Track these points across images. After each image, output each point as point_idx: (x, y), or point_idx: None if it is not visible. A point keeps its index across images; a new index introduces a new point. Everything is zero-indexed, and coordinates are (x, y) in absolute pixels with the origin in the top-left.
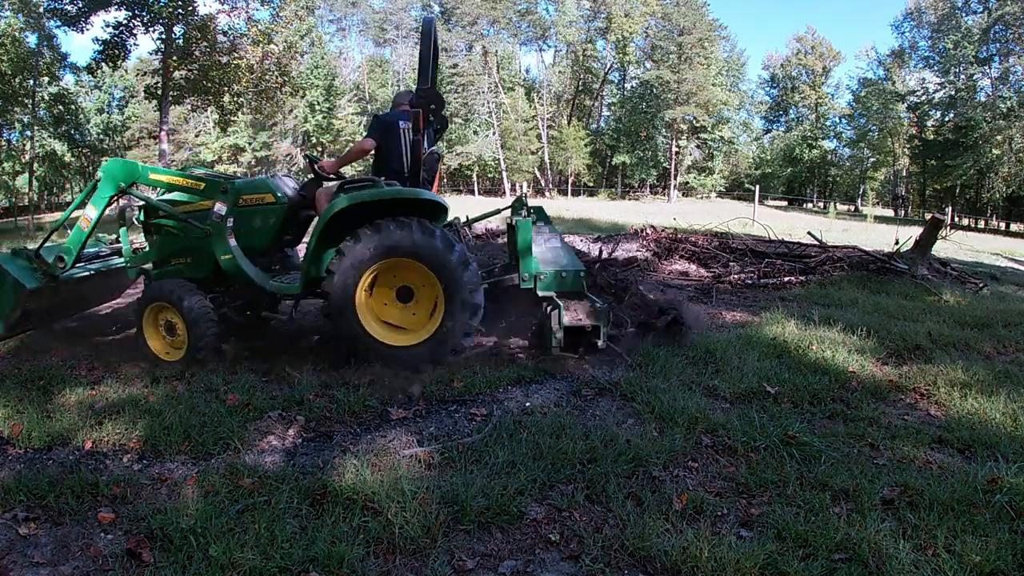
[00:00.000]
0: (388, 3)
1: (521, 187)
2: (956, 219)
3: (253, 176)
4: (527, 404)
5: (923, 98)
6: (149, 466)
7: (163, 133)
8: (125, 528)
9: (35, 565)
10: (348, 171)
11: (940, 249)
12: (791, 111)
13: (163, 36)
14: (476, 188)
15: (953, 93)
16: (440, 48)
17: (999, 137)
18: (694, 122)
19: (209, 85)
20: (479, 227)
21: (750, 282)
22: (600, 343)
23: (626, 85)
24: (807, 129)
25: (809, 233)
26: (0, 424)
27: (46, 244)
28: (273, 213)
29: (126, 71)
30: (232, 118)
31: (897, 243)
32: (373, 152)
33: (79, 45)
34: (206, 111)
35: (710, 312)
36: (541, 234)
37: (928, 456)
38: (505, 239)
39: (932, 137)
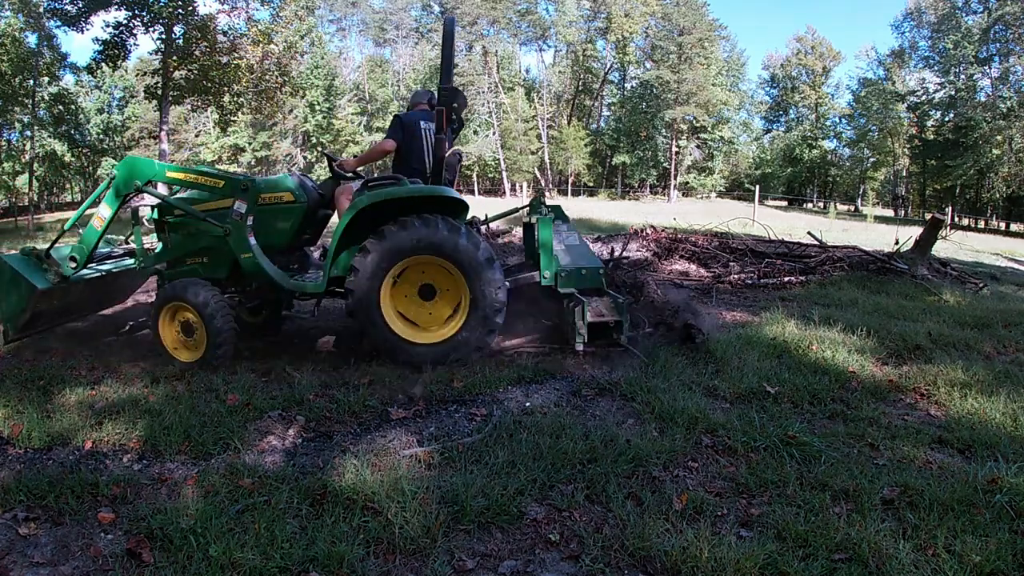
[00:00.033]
0: (388, 3)
1: (521, 187)
2: (956, 219)
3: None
4: (527, 404)
5: (923, 98)
6: (149, 466)
7: (163, 133)
8: (125, 528)
9: (35, 565)
10: (362, 169)
11: (940, 249)
12: (791, 111)
13: (163, 36)
14: (476, 188)
15: (953, 93)
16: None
17: (999, 137)
18: (694, 122)
19: (209, 85)
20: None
21: (750, 282)
22: (622, 338)
23: (626, 85)
24: (807, 129)
25: (809, 233)
26: (0, 424)
27: (56, 244)
28: (292, 212)
29: (126, 71)
30: (232, 118)
31: (897, 243)
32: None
33: (79, 45)
34: (206, 111)
35: (710, 312)
36: (560, 232)
37: (928, 456)
38: (507, 239)
39: (932, 137)
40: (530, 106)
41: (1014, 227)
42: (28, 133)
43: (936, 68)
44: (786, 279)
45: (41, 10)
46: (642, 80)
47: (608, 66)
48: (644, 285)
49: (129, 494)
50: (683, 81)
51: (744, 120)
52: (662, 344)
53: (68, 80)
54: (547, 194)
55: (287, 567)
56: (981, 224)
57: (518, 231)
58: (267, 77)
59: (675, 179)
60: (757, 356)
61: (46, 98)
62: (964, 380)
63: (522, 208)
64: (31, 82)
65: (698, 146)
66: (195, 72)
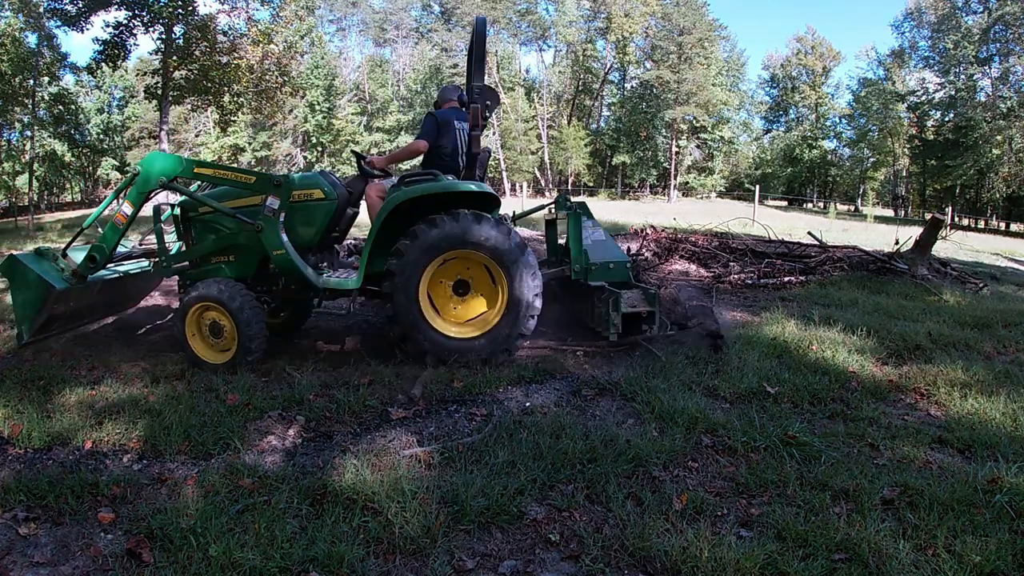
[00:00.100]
0: (388, 3)
1: (521, 187)
2: (956, 219)
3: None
4: (527, 404)
5: (923, 98)
6: (149, 466)
7: (163, 133)
8: (125, 528)
9: (35, 565)
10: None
11: (940, 249)
12: (791, 111)
13: (163, 36)
14: None
15: (953, 93)
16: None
17: (999, 137)
18: (694, 122)
19: (209, 85)
20: None
21: (750, 282)
22: (654, 329)
23: (626, 85)
24: (807, 129)
25: (809, 233)
26: (0, 424)
27: (73, 244)
28: (324, 209)
29: (126, 71)
30: (232, 118)
31: (897, 243)
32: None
33: (79, 45)
34: (206, 111)
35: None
36: (585, 227)
37: (928, 456)
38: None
39: (932, 137)
40: (530, 106)
41: (1014, 227)
42: (28, 133)
43: (936, 68)
44: (786, 279)
45: (41, 10)
46: (642, 80)
47: (608, 66)
48: (661, 285)
49: (129, 494)
50: (683, 81)
51: (744, 120)
52: (684, 347)
53: (68, 80)
54: (547, 194)
55: (287, 567)
56: (981, 224)
57: (522, 231)
58: (267, 77)
59: (675, 179)
60: (757, 356)
61: (46, 98)
62: (964, 380)
63: (548, 205)
64: (31, 82)
65: (698, 146)
66: (195, 72)
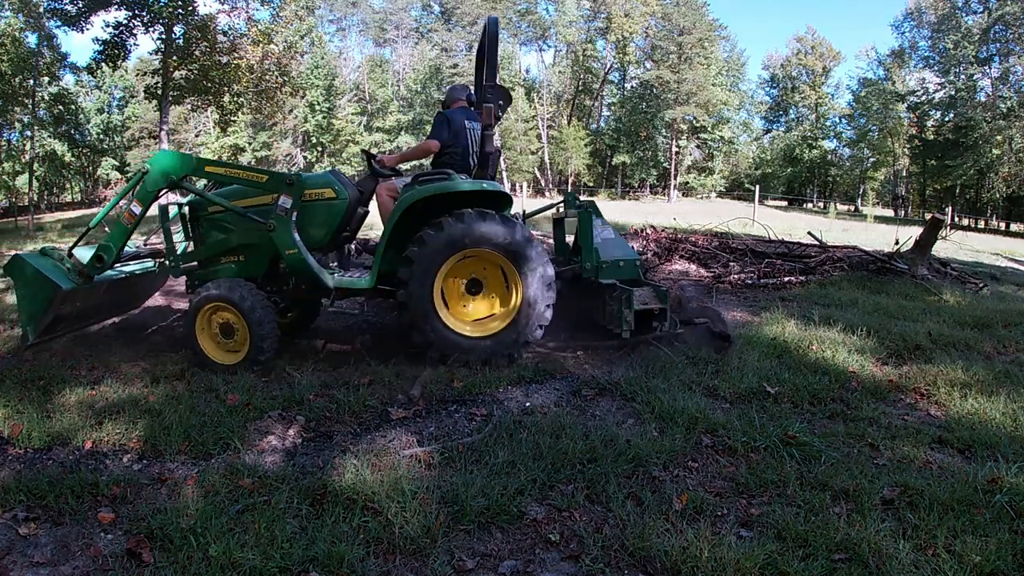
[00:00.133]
0: (388, 3)
1: (521, 187)
2: (956, 219)
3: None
4: (527, 404)
5: (923, 98)
6: (149, 466)
7: (163, 133)
8: (125, 528)
9: (35, 565)
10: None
11: (940, 249)
12: (791, 111)
13: (163, 36)
14: None
15: (953, 93)
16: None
17: (999, 137)
18: (694, 122)
19: (209, 85)
20: None
21: (750, 282)
22: (666, 325)
23: (626, 85)
24: (807, 129)
25: (809, 233)
26: (0, 424)
27: (80, 243)
28: (335, 208)
29: (126, 71)
30: (232, 118)
31: (897, 243)
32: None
33: (79, 45)
34: (206, 111)
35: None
36: (596, 226)
37: (928, 456)
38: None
39: (932, 137)
40: (530, 106)
41: (1014, 227)
42: (28, 133)
43: (936, 68)
44: (786, 279)
45: (41, 10)
46: (642, 80)
47: (608, 66)
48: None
49: (129, 494)
50: (683, 81)
51: (744, 120)
52: (690, 346)
53: (68, 80)
54: (547, 194)
55: (287, 567)
56: (981, 224)
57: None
58: (267, 77)
59: (675, 179)
60: (757, 356)
61: (46, 98)
62: (964, 380)
63: (556, 204)
64: (31, 82)
65: (698, 146)
66: (195, 72)
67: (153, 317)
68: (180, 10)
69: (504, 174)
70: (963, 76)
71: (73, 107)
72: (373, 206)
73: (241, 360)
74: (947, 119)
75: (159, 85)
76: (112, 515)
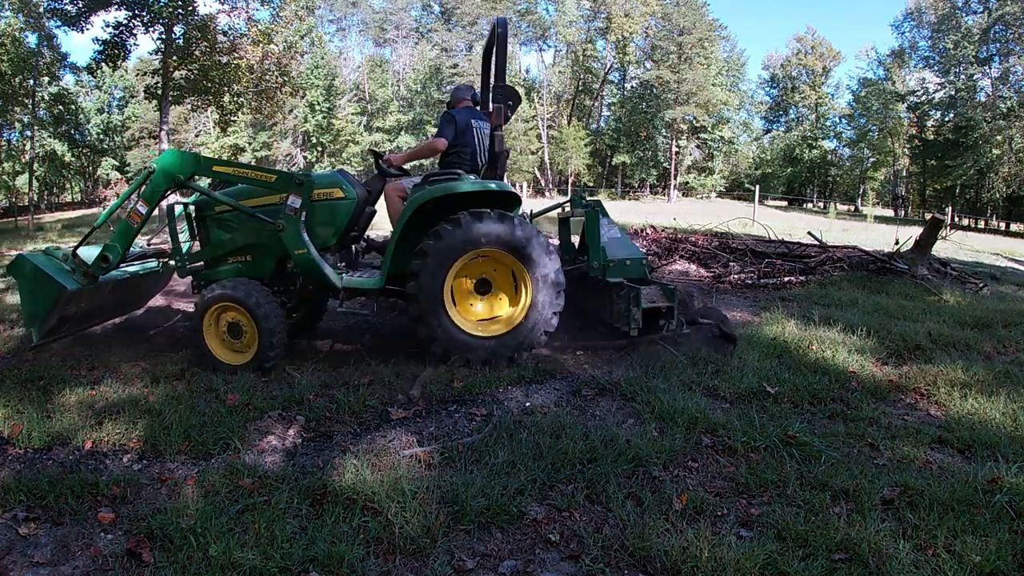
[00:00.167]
0: (388, 3)
1: (521, 187)
2: (956, 219)
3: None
4: (527, 404)
5: (923, 98)
6: (149, 466)
7: (163, 133)
8: (125, 528)
9: (35, 565)
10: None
11: (940, 249)
12: (791, 111)
13: (163, 36)
14: None
15: (953, 93)
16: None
17: (999, 137)
18: (694, 122)
19: (209, 85)
20: None
21: (750, 282)
22: (673, 324)
23: (626, 85)
24: (807, 129)
25: (809, 233)
26: (0, 424)
27: (84, 244)
28: (343, 208)
29: (126, 71)
30: (232, 118)
31: (897, 243)
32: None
33: (79, 45)
34: (206, 111)
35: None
36: (602, 225)
37: (928, 456)
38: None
39: (932, 137)
40: (530, 106)
41: (1014, 227)
42: (28, 133)
43: (936, 68)
44: (786, 279)
45: (41, 10)
46: (642, 80)
47: (608, 66)
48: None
49: (129, 494)
50: (683, 81)
51: (744, 120)
52: (694, 346)
53: (68, 80)
54: (547, 194)
55: (287, 567)
56: (981, 224)
57: None
58: (267, 77)
59: (675, 179)
60: (757, 356)
61: (46, 98)
62: (964, 380)
63: (563, 204)
64: (31, 82)
65: (698, 146)
66: (195, 72)
67: (153, 317)
68: (180, 10)
69: (505, 174)
70: (963, 76)
71: (73, 107)
72: (380, 205)
73: (248, 361)
74: (947, 119)
75: (159, 85)
76: (112, 515)
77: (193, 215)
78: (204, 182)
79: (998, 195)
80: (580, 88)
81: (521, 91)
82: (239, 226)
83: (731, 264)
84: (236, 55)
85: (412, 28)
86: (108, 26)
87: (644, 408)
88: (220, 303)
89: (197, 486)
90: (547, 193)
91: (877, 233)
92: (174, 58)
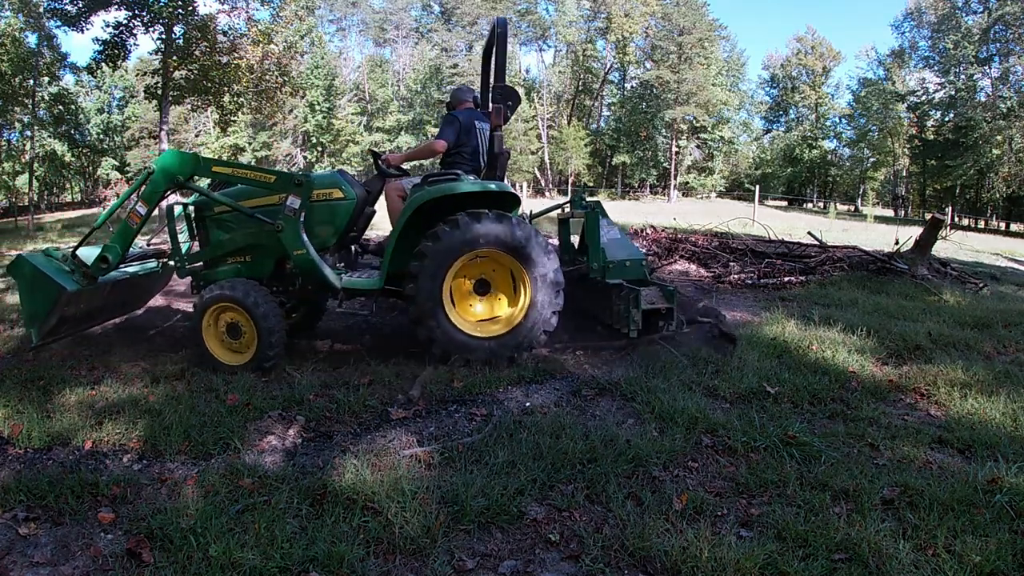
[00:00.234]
0: (388, 3)
1: (521, 187)
2: (956, 219)
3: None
4: (527, 404)
5: (923, 98)
6: (149, 466)
7: (163, 133)
8: (125, 528)
9: (35, 565)
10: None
11: (940, 249)
12: (791, 111)
13: (163, 36)
14: None
15: (953, 93)
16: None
17: (999, 137)
18: (694, 122)
19: (209, 85)
20: None
21: (750, 282)
22: (672, 325)
23: (626, 85)
24: (807, 129)
25: (809, 233)
26: (0, 424)
27: (84, 244)
28: (343, 209)
29: (126, 71)
30: (232, 118)
31: (897, 243)
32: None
33: (79, 45)
34: (206, 111)
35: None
36: (602, 226)
37: (928, 456)
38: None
39: (932, 137)
40: (530, 106)
41: (1014, 227)
42: (28, 133)
43: (936, 68)
44: (786, 279)
45: (41, 10)
46: (642, 80)
47: (608, 66)
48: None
49: (129, 494)
50: (683, 81)
51: (744, 120)
52: (693, 346)
53: (68, 80)
54: (547, 194)
55: (287, 567)
56: (981, 224)
57: None
58: (267, 77)
59: (675, 179)
60: (757, 356)
61: (46, 98)
62: (964, 380)
63: (562, 205)
64: (31, 82)
65: (698, 146)
66: (195, 72)
67: (153, 317)
68: (180, 10)
69: (505, 175)
70: (963, 76)
71: (73, 107)
72: (380, 206)
73: (247, 361)
74: (947, 119)
75: (159, 85)
76: (112, 515)
77: (192, 215)
78: (204, 182)
79: (998, 195)
80: (580, 88)
81: (521, 91)
82: (238, 226)
83: (731, 264)
84: (236, 55)
85: (412, 28)
86: (108, 26)
87: (644, 408)
88: (219, 303)
89: (197, 486)
90: (547, 193)
91: (877, 233)
92: (174, 58)
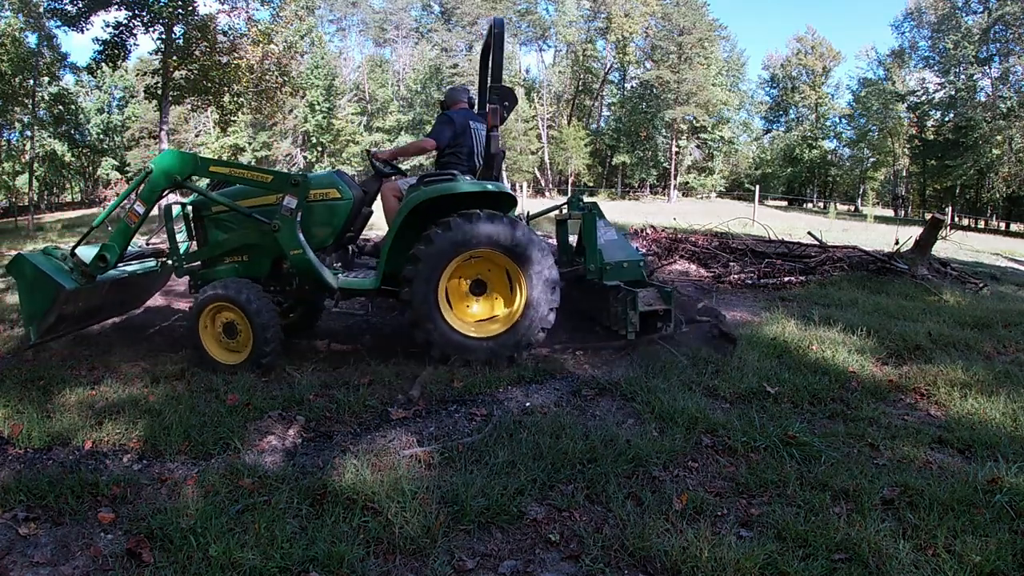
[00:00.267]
0: (388, 3)
1: (521, 187)
2: (956, 219)
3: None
4: (527, 404)
5: (923, 98)
6: (149, 466)
7: (163, 133)
8: (125, 528)
9: (35, 565)
10: (407, 166)
11: (940, 249)
12: (791, 111)
13: (163, 36)
14: None
15: (953, 93)
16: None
17: (999, 137)
18: (694, 122)
19: (209, 85)
20: None
21: (750, 282)
22: (670, 327)
23: (626, 85)
24: (807, 129)
25: (809, 233)
26: (0, 424)
27: (82, 243)
28: (339, 209)
29: (126, 71)
30: (232, 118)
31: (897, 243)
32: (436, 148)
33: (79, 45)
34: (206, 111)
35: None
36: (599, 228)
37: (928, 456)
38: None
39: (932, 137)
40: (530, 106)
41: (1014, 227)
42: (28, 133)
43: (936, 68)
44: (786, 279)
45: (41, 10)
46: (642, 80)
47: (608, 66)
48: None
49: (129, 494)
50: (683, 81)
51: (744, 120)
52: (693, 346)
53: (68, 80)
54: (547, 194)
55: (287, 567)
56: (981, 224)
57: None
58: (267, 77)
59: (675, 179)
60: (757, 356)
61: (46, 98)
62: (964, 380)
63: (560, 205)
64: (31, 82)
65: (698, 146)
66: (195, 72)
67: (153, 317)
68: (180, 10)
69: (504, 174)
70: (963, 76)
71: (73, 107)
72: (376, 206)
73: (243, 361)
74: (947, 119)
75: (159, 85)
76: (112, 515)
77: (191, 215)
78: (203, 182)
79: (998, 195)
80: (580, 88)
81: (521, 91)
82: (236, 226)
83: (731, 264)
84: (236, 55)
85: (412, 28)
86: (108, 26)
87: (644, 408)
88: (214, 303)
89: (197, 486)
90: (547, 193)
91: (877, 233)
92: (174, 58)
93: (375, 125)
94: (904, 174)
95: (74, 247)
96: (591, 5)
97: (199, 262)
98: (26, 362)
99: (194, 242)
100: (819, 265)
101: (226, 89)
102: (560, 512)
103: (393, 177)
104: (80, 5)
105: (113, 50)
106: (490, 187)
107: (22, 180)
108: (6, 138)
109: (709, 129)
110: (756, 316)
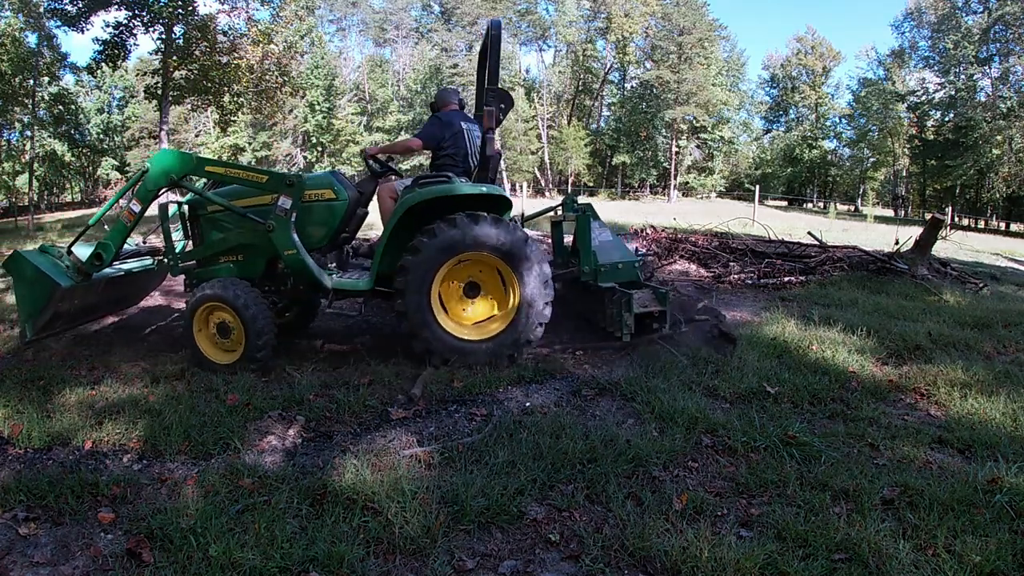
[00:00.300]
0: (388, 3)
1: (521, 187)
2: (956, 219)
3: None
4: (527, 404)
5: (923, 98)
6: (149, 466)
7: (163, 133)
8: (125, 528)
9: (35, 565)
10: (406, 167)
11: (940, 249)
12: (791, 111)
13: (163, 36)
14: None
15: (953, 93)
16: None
17: (999, 137)
18: (694, 122)
19: (209, 85)
20: None
21: (750, 282)
22: (666, 328)
23: (626, 85)
24: (807, 129)
25: (809, 233)
26: (0, 424)
27: (79, 241)
28: (335, 209)
29: (126, 71)
30: (232, 118)
31: (897, 243)
32: (433, 149)
33: (79, 45)
34: (206, 111)
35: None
36: (593, 229)
37: (928, 456)
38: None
39: (932, 137)
40: (530, 106)
41: (1014, 227)
42: (28, 133)
43: (936, 68)
44: (786, 279)
45: (41, 10)
46: (642, 80)
47: (608, 66)
48: (671, 287)
49: (129, 494)
50: (683, 81)
51: (744, 120)
52: (692, 345)
53: (68, 80)
54: (547, 194)
55: (287, 567)
56: (981, 224)
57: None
58: (267, 77)
59: (675, 179)
60: (757, 356)
61: (46, 98)
62: (964, 380)
63: (555, 207)
64: (31, 82)
65: (698, 146)
66: (195, 72)
67: (152, 317)
68: (180, 10)
69: (504, 174)
70: (963, 76)
71: (73, 107)
72: (372, 207)
73: (237, 359)
74: (947, 119)
75: (159, 85)
76: (112, 515)
77: (187, 214)
78: (200, 182)
79: (998, 195)
80: (580, 88)
81: (521, 91)
82: (231, 226)
83: (731, 264)
84: (236, 55)
85: (412, 28)
86: (108, 26)
87: (644, 408)
88: (206, 304)
89: (197, 486)
90: (547, 193)
91: (877, 233)
92: (174, 58)
93: (375, 125)
94: (904, 174)
95: (70, 245)
96: (591, 5)
97: (194, 261)
98: (26, 362)
99: (190, 241)
100: (819, 265)
101: (226, 89)
102: (560, 512)
103: (391, 178)
104: (80, 5)
105: (113, 50)
106: (485, 190)
107: (22, 180)
108: (6, 138)
109: (709, 129)
110: (756, 316)
